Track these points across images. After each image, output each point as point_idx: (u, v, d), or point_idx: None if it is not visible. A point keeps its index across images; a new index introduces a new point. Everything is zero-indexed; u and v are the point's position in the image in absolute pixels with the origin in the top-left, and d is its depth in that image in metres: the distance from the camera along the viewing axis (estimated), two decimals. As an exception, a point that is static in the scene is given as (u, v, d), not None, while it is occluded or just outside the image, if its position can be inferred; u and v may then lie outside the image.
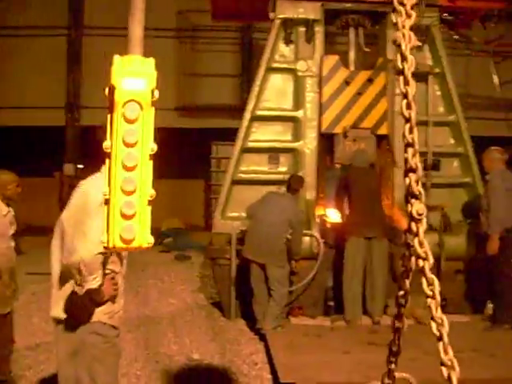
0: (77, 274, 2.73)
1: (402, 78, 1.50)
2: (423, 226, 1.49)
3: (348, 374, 5.08)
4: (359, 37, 7.84)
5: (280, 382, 4.90)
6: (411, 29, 1.56)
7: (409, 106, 1.47)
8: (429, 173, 7.64)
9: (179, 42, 17.22)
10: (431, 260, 1.46)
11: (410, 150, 1.49)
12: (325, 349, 5.79)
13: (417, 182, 1.48)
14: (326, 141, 7.70)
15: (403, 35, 1.50)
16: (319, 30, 7.72)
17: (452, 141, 7.98)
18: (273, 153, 7.57)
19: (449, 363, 1.41)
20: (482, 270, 6.97)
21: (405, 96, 1.48)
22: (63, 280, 3.00)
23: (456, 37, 9.41)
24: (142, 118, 1.91)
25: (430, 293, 1.45)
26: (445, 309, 5.88)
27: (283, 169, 7.60)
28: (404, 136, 1.49)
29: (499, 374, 5.06)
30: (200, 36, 17.05)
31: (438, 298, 1.43)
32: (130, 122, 1.90)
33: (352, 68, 7.76)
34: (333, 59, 7.58)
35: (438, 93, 7.93)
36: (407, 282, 1.59)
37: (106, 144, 1.93)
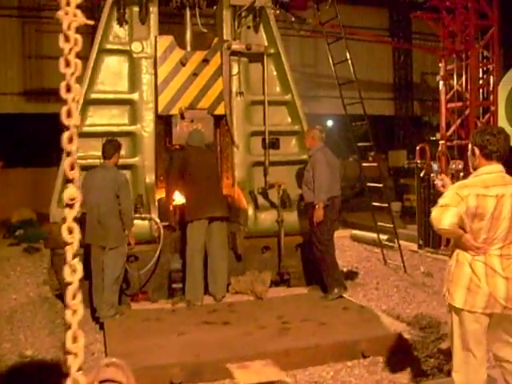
0: None
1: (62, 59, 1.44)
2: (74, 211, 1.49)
3: (178, 355, 5.09)
4: (196, 17, 7.81)
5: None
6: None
7: (68, 89, 1.42)
8: (267, 151, 7.83)
9: (23, 22, 16.22)
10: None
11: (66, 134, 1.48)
12: (161, 332, 5.74)
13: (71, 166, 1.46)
14: (164, 123, 7.63)
15: (66, 13, 1.46)
16: (153, 11, 7.60)
17: (289, 119, 8.21)
18: (110, 137, 7.32)
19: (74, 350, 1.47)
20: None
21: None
22: None
23: (292, 19, 9.66)
24: None
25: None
26: (289, 282, 6.03)
27: (121, 153, 7.35)
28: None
29: (324, 340, 5.30)
30: (45, 16, 16.13)
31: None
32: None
33: (189, 48, 7.74)
34: (167, 40, 7.47)
35: (274, 73, 8.10)
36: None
37: None
